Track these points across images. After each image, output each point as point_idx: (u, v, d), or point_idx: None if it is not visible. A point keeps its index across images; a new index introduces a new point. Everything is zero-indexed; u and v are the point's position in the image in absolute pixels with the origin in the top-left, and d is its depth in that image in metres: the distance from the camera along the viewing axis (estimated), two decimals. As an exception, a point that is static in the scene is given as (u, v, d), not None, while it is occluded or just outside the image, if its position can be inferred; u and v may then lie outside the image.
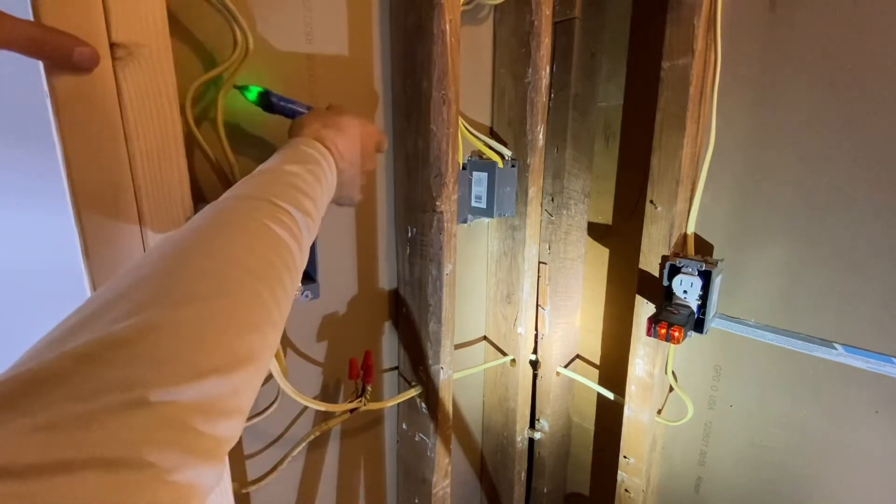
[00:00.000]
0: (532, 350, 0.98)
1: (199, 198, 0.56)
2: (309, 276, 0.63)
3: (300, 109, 0.56)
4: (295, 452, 0.69)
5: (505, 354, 0.97)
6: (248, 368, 0.27)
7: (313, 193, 0.41)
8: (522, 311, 0.92)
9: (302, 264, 0.38)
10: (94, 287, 0.43)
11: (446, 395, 0.79)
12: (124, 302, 0.25)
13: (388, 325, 0.83)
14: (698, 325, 0.73)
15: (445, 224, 0.71)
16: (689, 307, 0.73)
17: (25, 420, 0.19)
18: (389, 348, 0.84)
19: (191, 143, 0.54)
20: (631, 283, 0.82)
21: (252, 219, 0.34)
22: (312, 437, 0.71)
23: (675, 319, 0.71)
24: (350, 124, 0.52)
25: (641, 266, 0.80)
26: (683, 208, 0.76)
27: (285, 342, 0.69)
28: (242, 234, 0.32)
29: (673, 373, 0.85)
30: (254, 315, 0.29)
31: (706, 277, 0.71)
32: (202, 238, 0.31)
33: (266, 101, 0.55)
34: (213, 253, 0.30)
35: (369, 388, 0.72)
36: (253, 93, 0.54)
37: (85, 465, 0.19)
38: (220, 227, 0.32)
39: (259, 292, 0.30)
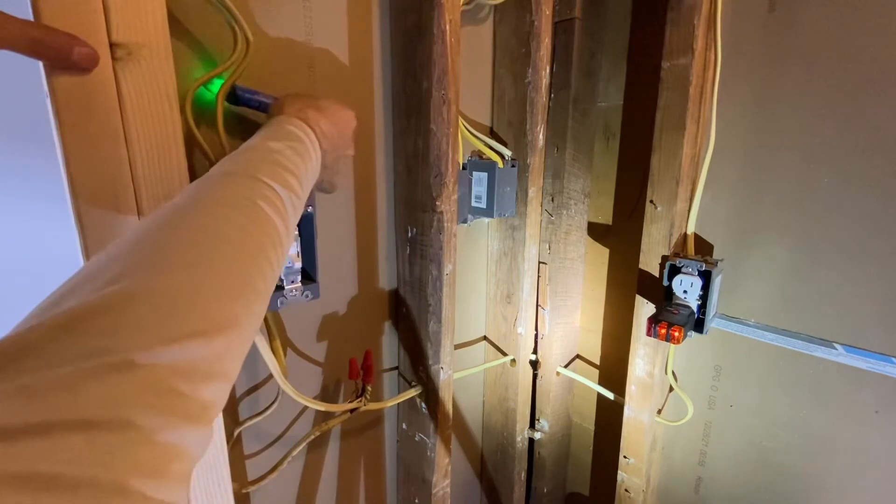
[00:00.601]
0: (532, 350, 0.98)
1: (199, 198, 0.56)
2: (309, 276, 0.63)
3: (265, 101, 0.56)
4: (295, 452, 0.69)
5: (505, 354, 0.97)
6: (230, 334, 0.27)
7: (297, 171, 0.41)
8: (522, 311, 0.92)
9: (288, 241, 0.38)
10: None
11: (446, 395, 0.79)
12: (106, 272, 0.25)
13: (388, 325, 0.83)
14: (698, 325, 0.73)
15: (445, 224, 0.71)
16: (689, 307, 0.73)
17: (3, 386, 0.19)
18: (389, 348, 0.84)
19: (191, 142, 0.54)
20: (631, 283, 0.82)
21: (235, 195, 0.34)
22: (312, 437, 0.71)
23: (675, 319, 0.71)
24: (330, 107, 0.52)
25: (641, 266, 0.80)
26: (683, 208, 0.76)
27: (285, 342, 0.69)
28: (225, 209, 0.32)
29: (673, 373, 0.85)
30: (236, 283, 0.29)
31: (706, 277, 0.71)
32: (185, 213, 0.31)
33: (231, 94, 0.55)
34: (195, 227, 0.30)
35: (369, 388, 0.72)
36: (216, 85, 0.54)
37: (65, 426, 0.19)
38: (203, 202, 0.32)
39: (242, 263, 0.30)
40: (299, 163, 0.42)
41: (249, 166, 0.38)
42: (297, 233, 0.60)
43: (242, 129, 0.60)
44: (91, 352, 0.21)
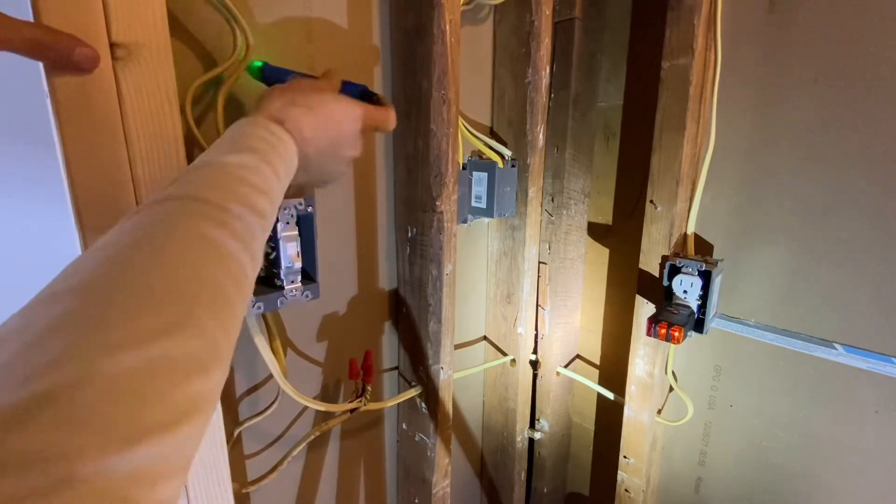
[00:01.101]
0: (532, 350, 0.98)
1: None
2: (309, 276, 0.63)
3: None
4: (295, 452, 0.69)
5: (505, 354, 0.97)
6: (193, 421, 0.24)
7: (266, 187, 0.36)
8: (522, 311, 0.92)
9: (254, 276, 0.33)
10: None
11: (446, 395, 0.79)
12: (51, 343, 0.21)
13: (388, 325, 0.83)
14: (698, 325, 0.73)
15: (445, 224, 0.71)
16: (689, 307, 0.73)
17: None
18: (389, 348, 0.84)
19: (191, 143, 0.54)
20: (631, 283, 0.82)
21: (194, 229, 0.29)
22: (312, 437, 0.71)
23: (675, 319, 0.71)
24: (325, 105, 0.45)
25: (641, 266, 0.80)
26: (683, 208, 0.76)
27: (285, 342, 0.69)
28: (183, 251, 0.28)
29: (673, 373, 0.85)
30: (199, 355, 0.25)
31: (706, 277, 0.71)
32: (132, 256, 0.26)
33: (263, 75, 0.55)
34: (150, 277, 0.25)
35: (369, 388, 0.72)
36: (253, 68, 0.54)
37: None
38: (156, 240, 0.27)
39: (205, 325, 0.26)
40: (269, 178, 0.37)
41: (208, 189, 0.32)
42: (297, 232, 0.59)
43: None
44: (37, 458, 0.18)
